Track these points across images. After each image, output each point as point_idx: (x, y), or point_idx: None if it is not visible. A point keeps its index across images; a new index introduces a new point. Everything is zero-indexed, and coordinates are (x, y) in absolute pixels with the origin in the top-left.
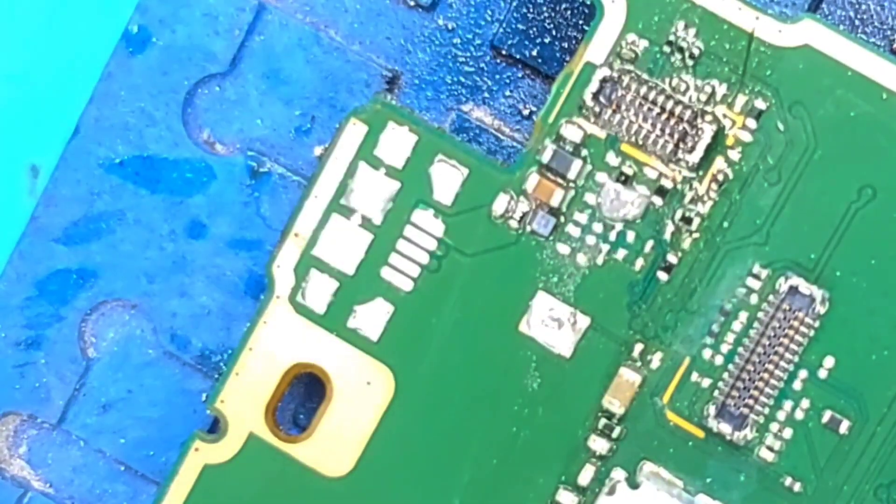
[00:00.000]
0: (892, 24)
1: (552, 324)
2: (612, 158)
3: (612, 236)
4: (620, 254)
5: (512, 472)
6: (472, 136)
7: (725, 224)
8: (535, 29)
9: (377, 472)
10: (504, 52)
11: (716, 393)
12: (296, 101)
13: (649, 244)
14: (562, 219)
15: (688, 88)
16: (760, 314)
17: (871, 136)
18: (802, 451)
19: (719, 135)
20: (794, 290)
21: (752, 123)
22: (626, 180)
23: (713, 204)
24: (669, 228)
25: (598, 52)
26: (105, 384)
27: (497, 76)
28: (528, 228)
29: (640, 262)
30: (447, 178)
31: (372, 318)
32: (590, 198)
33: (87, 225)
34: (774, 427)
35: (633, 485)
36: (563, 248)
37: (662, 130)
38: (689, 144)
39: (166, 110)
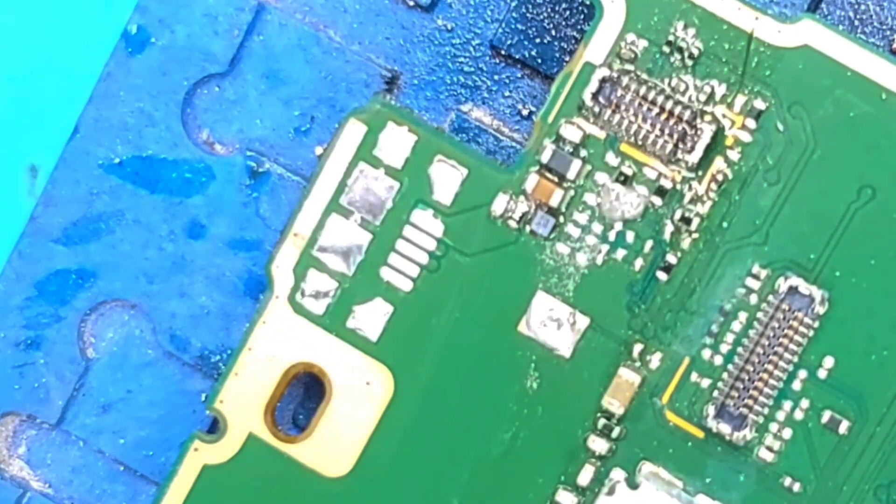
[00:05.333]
0: (892, 25)
1: (552, 324)
2: (611, 158)
3: (612, 236)
4: (620, 254)
5: (511, 472)
6: (472, 136)
7: (725, 224)
8: (534, 29)
9: (376, 472)
10: (503, 52)
11: (715, 393)
12: (295, 102)
13: (649, 244)
14: (561, 219)
15: (687, 88)
16: (760, 314)
17: (871, 136)
18: (802, 451)
19: (719, 135)
20: (793, 290)
21: (751, 123)
22: (625, 180)
23: (712, 204)
24: (669, 228)
25: (597, 52)
26: (104, 384)
27: (496, 76)
28: (528, 228)
29: (639, 263)
30: (446, 178)
31: (371, 318)
32: (589, 198)
33: (86, 225)
34: (774, 427)
35: (633, 485)
36: (563, 249)
37: (662, 130)
38: (689, 144)
39: (165, 110)
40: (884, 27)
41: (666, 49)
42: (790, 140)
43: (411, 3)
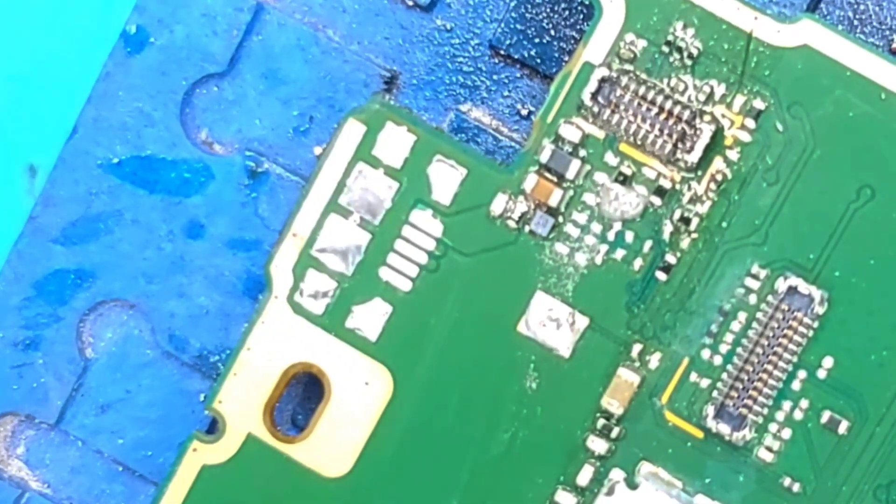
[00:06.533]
0: (891, 25)
1: (551, 324)
2: (610, 158)
3: (611, 236)
4: (619, 254)
5: (511, 472)
6: (471, 136)
7: (724, 224)
8: (533, 29)
9: (375, 472)
10: (502, 52)
11: (714, 393)
12: (294, 102)
13: (648, 244)
14: (560, 219)
15: (686, 88)
16: (759, 314)
17: (871, 136)
18: (801, 451)
19: (718, 135)
20: (792, 290)
21: (750, 123)
22: (624, 180)
23: (712, 204)
24: (668, 228)
25: (596, 51)
26: (103, 384)
27: (495, 76)
28: (527, 228)
29: (638, 263)
30: (446, 178)
31: (370, 318)
32: (588, 198)
33: (85, 225)
34: (773, 427)
35: (632, 485)
36: (562, 248)
37: (661, 130)
38: (688, 144)
39: (164, 110)
40: (883, 27)
41: (665, 49)
42: (789, 140)
43: (410, 3)
